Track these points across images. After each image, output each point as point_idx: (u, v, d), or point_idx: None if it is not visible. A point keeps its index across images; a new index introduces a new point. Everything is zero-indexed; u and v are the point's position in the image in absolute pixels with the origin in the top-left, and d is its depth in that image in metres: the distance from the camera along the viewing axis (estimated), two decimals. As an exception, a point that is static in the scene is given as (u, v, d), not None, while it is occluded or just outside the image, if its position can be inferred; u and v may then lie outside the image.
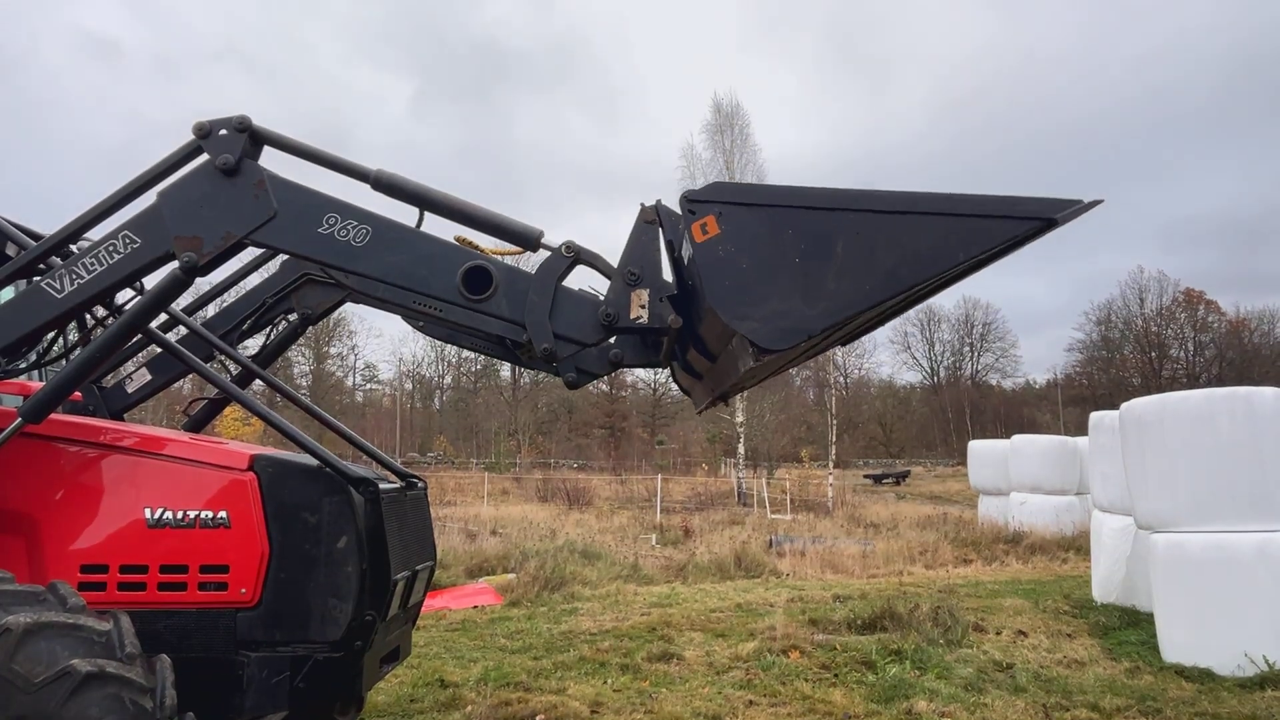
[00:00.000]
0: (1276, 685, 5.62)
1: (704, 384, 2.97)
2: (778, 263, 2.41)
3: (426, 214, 2.78)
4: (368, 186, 2.78)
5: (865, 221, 2.39)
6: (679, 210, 2.45)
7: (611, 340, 2.68)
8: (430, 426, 61.03)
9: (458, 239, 2.84)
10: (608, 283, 2.64)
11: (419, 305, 2.88)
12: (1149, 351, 58.06)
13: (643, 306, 2.56)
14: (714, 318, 2.40)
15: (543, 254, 2.83)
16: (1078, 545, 13.53)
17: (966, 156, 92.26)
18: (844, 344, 3.23)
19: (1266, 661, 5.87)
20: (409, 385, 63.79)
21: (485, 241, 2.92)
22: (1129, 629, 7.60)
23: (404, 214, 2.78)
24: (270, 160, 2.78)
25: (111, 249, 2.67)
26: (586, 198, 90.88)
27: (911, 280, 2.39)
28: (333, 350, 57.90)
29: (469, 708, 5.28)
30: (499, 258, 2.80)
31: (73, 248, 2.96)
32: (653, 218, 2.56)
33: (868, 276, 2.38)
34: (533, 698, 5.47)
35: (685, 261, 2.51)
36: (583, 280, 2.74)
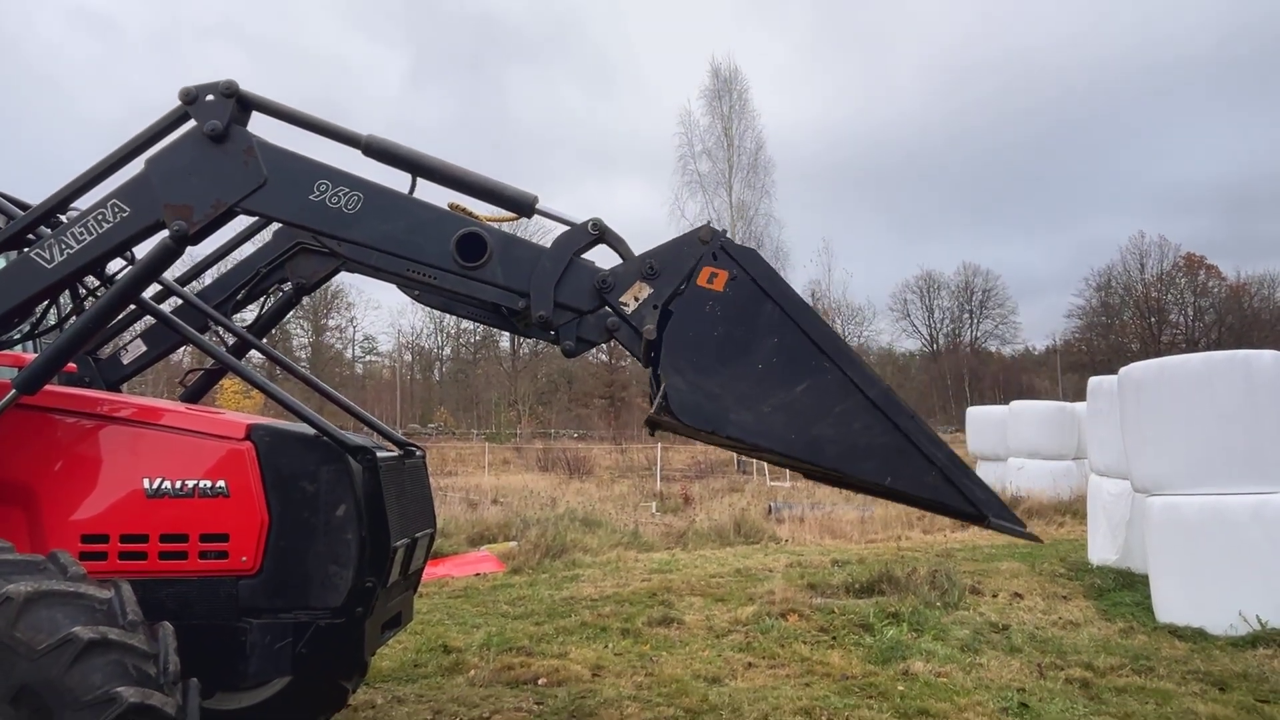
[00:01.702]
0: (1268, 644, 5.70)
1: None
2: (744, 355, 2.38)
3: (420, 180, 2.74)
4: (359, 153, 2.75)
5: (840, 387, 2.35)
6: (731, 246, 2.43)
7: (610, 311, 2.66)
8: (430, 398, 61.17)
9: (451, 205, 2.81)
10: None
11: (413, 273, 2.85)
12: (1148, 317, 58.00)
13: (637, 298, 2.52)
14: (662, 355, 2.40)
15: (540, 222, 2.79)
16: (1074, 509, 13.65)
17: (961, 125, 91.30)
18: (806, 476, 3.13)
19: (1259, 621, 5.95)
20: (408, 357, 63.83)
21: (480, 209, 2.88)
22: (1124, 591, 7.69)
23: (397, 181, 2.75)
24: (259, 126, 2.75)
25: (101, 218, 2.64)
26: (583, 169, 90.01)
27: (833, 463, 2.36)
28: (331, 323, 57.84)
29: (472, 672, 5.35)
30: (494, 224, 2.77)
31: (62, 218, 2.93)
32: (707, 239, 2.50)
33: (799, 430, 2.34)
34: (535, 661, 5.54)
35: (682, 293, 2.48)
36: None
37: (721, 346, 2.39)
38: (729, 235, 2.56)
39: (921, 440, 2.33)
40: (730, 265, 2.43)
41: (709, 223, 2.60)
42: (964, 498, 2.32)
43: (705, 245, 2.50)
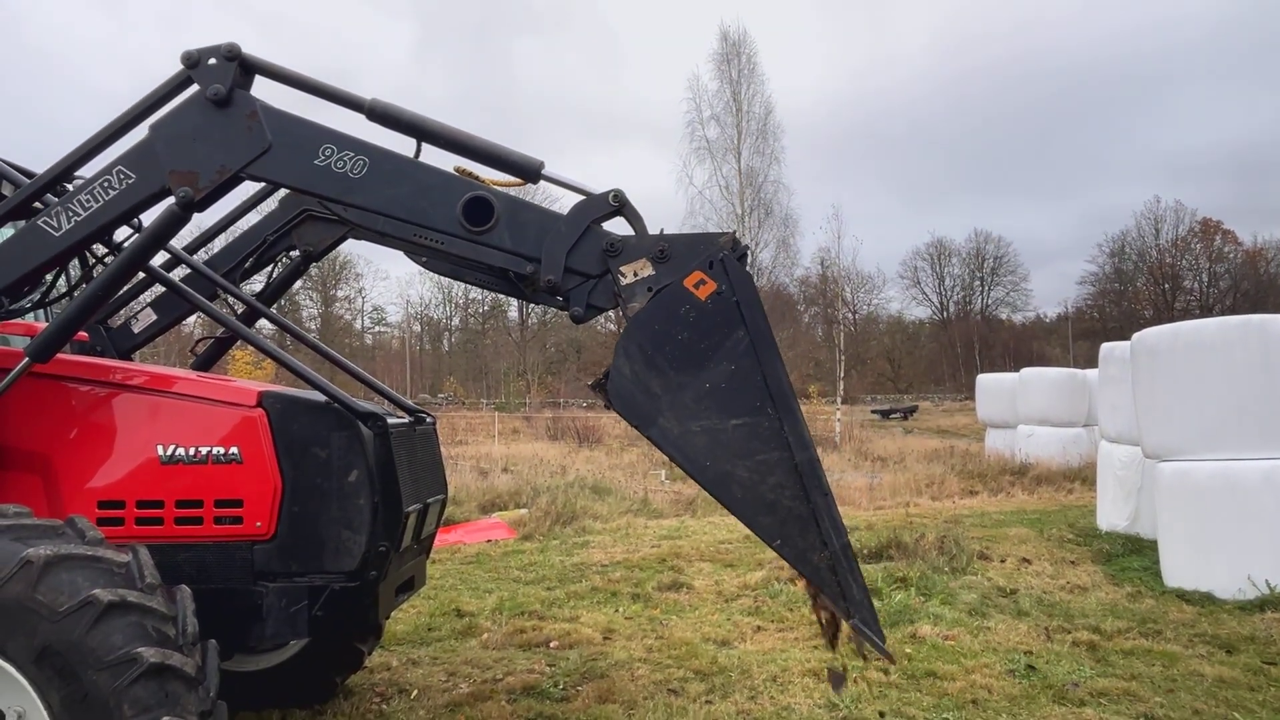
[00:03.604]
0: (1276, 607, 5.72)
1: None
2: (695, 369, 2.37)
3: (425, 147, 2.71)
4: (363, 118, 2.71)
5: (771, 435, 2.36)
6: (744, 266, 2.45)
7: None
8: (440, 368, 61.44)
9: (457, 170, 2.79)
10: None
11: (419, 238, 2.83)
12: (1162, 283, 57.36)
13: (635, 274, 2.51)
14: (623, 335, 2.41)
15: (546, 189, 2.76)
16: (1083, 476, 13.64)
17: (971, 92, 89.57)
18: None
19: (1268, 585, 5.96)
20: (417, 327, 64.00)
21: (486, 175, 2.86)
22: (1132, 556, 7.71)
23: (402, 147, 2.72)
24: (263, 91, 2.71)
25: (107, 185, 2.63)
26: (590, 139, 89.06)
27: (733, 506, 2.39)
28: (340, 293, 57.98)
29: (485, 635, 5.44)
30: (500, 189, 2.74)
31: (67, 186, 2.92)
32: (728, 244, 2.49)
33: (716, 460, 2.35)
34: (546, 625, 5.63)
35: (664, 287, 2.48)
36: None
37: (679, 352, 2.39)
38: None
39: (824, 520, 2.35)
40: (722, 279, 2.42)
41: (735, 231, 2.58)
42: (839, 590, 2.37)
43: (723, 248, 2.49)
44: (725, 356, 2.39)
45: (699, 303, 2.41)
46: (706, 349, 2.39)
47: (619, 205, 2.56)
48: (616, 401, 2.39)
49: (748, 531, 8.51)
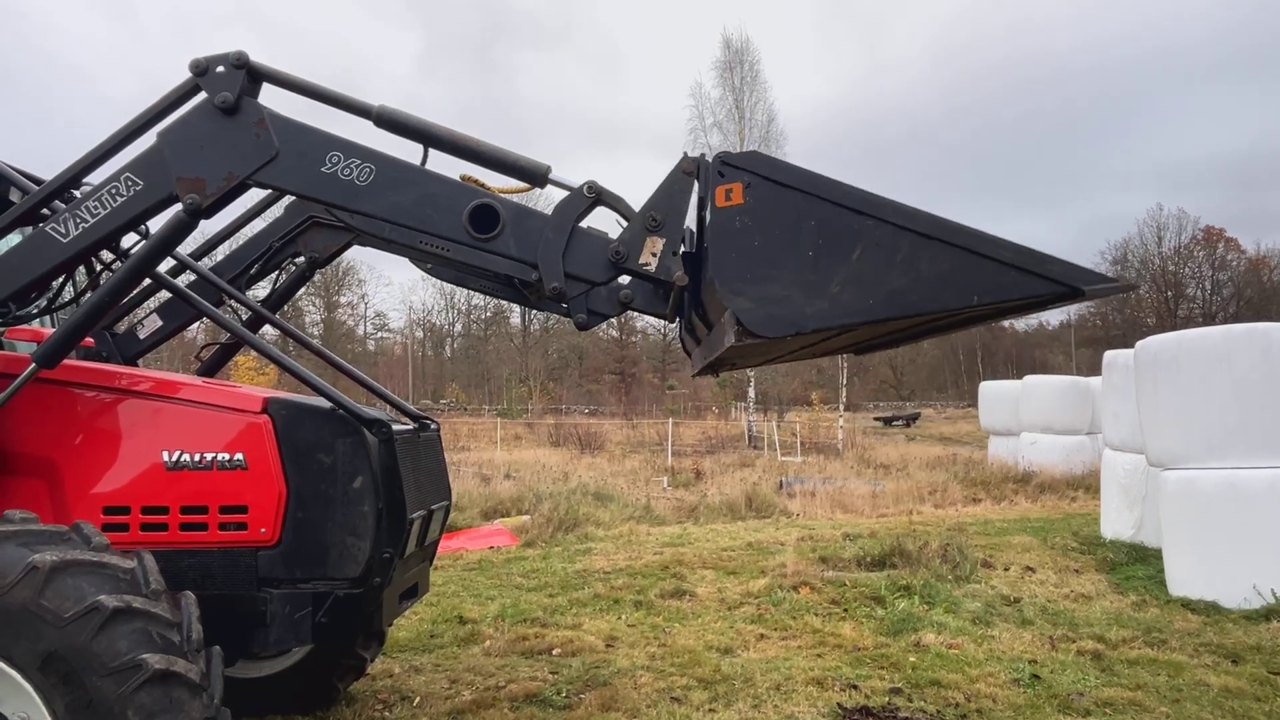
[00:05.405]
0: (1282, 617, 5.70)
1: (700, 350, 2.94)
2: (791, 250, 2.33)
3: (432, 152, 2.72)
4: (370, 125, 2.73)
5: (891, 235, 2.28)
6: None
7: (623, 281, 2.64)
8: (442, 374, 61.47)
9: (464, 177, 2.79)
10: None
11: (425, 245, 2.85)
12: (1165, 291, 57.29)
13: (654, 254, 2.49)
14: (713, 286, 2.35)
15: (554, 192, 2.77)
16: (1087, 484, 13.61)
17: (968, 97, 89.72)
18: (858, 353, 3.12)
19: (1274, 594, 5.94)
20: (420, 333, 64.05)
21: (493, 180, 2.86)
22: (1136, 564, 7.68)
23: (409, 154, 2.73)
24: (270, 98, 2.73)
25: (114, 192, 2.64)
26: (592, 148, 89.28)
27: (917, 308, 2.29)
28: (343, 299, 58.01)
29: (487, 642, 5.43)
30: (506, 196, 2.75)
31: (75, 193, 2.93)
32: (691, 169, 2.45)
33: (875, 291, 2.29)
34: (549, 632, 5.61)
35: (705, 222, 2.45)
36: (600, 225, 2.67)
37: (768, 252, 2.34)
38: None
39: (986, 248, 2.26)
40: (739, 175, 2.37)
41: (685, 153, 2.55)
42: (1048, 280, 2.23)
43: (691, 176, 2.46)
44: (801, 219, 2.34)
45: (742, 207, 2.36)
46: (783, 232, 2.35)
47: (596, 196, 2.56)
48: (765, 330, 2.29)
49: (750, 539, 8.48)
